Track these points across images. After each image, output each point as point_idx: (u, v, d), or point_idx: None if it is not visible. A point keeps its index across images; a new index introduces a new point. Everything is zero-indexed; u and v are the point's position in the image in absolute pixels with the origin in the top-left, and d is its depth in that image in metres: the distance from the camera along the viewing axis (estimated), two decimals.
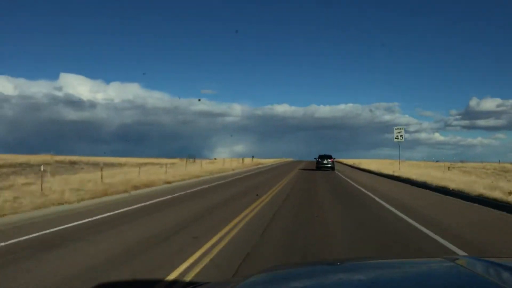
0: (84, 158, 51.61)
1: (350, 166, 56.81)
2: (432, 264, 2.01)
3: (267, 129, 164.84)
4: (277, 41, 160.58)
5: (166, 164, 31.56)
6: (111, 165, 38.23)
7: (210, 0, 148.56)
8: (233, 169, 37.31)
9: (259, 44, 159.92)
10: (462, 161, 72.83)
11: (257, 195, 14.66)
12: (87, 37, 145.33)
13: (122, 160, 52.65)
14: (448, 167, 45.05)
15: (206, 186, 19.35)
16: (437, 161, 66.52)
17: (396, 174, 29.16)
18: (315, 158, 41.49)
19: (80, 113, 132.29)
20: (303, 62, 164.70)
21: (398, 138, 33.93)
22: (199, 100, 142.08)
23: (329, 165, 38.82)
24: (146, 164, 38.85)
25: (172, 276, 5.06)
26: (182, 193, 15.76)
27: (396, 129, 34.29)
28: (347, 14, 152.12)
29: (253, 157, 63.66)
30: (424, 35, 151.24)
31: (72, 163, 41.68)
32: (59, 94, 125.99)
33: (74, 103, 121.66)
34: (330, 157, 39.78)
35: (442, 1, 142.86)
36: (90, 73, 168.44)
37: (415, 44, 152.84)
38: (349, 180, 25.25)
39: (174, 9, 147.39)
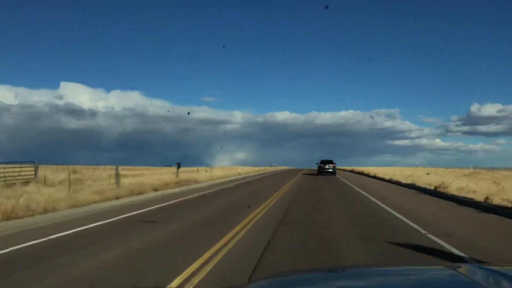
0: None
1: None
2: (433, 272, 2.01)
3: (268, 137, 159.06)
4: (277, 48, 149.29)
5: None
6: None
7: (210, 6, 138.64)
8: None
9: (260, 51, 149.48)
10: (474, 168, 68.38)
11: None
12: (87, 45, 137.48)
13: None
14: None
15: None
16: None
17: None
18: (317, 163, 44.30)
19: (81, 122, 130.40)
20: (303, 68, 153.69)
21: None
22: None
23: (330, 170, 42.03)
24: None
25: None
26: None
27: None
28: (347, 19, 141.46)
29: (179, 165, 30.38)
30: (424, 40, 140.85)
31: None
32: (60, 103, 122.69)
33: (75, 111, 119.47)
34: (331, 162, 42.80)
35: (441, 6, 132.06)
36: (91, 82, 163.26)
37: (415, 50, 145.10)
38: None
39: (175, 16, 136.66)
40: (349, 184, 27.95)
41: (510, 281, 1.49)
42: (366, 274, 2.01)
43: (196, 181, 27.26)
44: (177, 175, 27.96)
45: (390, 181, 32.95)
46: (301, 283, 1.89)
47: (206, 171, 37.97)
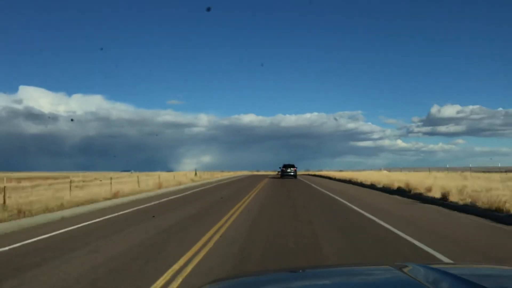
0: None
1: None
2: (377, 272, 2.11)
3: (234, 139, 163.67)
4: (242, 50, 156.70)
5: None
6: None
7: (174, 10, 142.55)
8: None
9: (225, 54, 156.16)
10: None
11: None
12: (48, 49, 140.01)
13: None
14: None
15: None
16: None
17: None
18: (280, 168, 47.22)
19: (41, 127, 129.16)
20: (269, 71, 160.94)
21: None
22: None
23: (292, 173, 45.53)
24: None
25: None
26: None
27: None
28: (309, 22, 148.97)
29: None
30: (384, 42, 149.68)
31: None
32: (19, 107, 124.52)
33: (35, 116, 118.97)
34: (293, 166, 46.18)
35: (402, 8, 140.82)
36: (51, 86, 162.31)
37: (376, 52, 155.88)
38: None
39: (139, 19, 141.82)
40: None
41: (452, 280, 1.58)
42: (312, 275, 2.10)
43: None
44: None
45: None
46: (246, 285, 1.97)
47: (100, 180, 28.69)
